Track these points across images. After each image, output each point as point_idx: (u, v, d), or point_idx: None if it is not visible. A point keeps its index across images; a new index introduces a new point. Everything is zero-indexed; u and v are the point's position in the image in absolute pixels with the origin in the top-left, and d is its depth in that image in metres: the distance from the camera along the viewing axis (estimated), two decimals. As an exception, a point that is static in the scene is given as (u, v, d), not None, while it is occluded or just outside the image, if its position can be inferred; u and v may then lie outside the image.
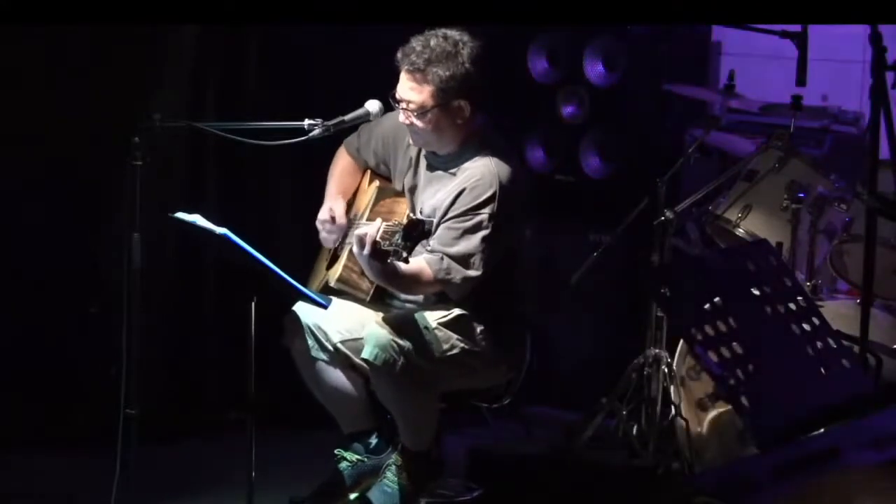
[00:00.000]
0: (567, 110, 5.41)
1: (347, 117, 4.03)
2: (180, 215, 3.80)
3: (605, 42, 5.28)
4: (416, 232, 3.61)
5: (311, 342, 4.16)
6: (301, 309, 4.17)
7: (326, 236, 4.24)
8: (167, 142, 4.72)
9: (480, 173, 4.00)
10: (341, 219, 4.20)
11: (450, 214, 3.98)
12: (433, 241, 3.96)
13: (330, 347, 4.15)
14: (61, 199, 4.76)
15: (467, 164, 4.05)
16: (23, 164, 4.70)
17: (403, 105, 4.01)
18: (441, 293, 4.07)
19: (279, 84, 5.06)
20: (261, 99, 5.05)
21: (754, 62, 5.51)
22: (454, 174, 4.06)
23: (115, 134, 3.86)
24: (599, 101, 5.32)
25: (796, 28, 4.60)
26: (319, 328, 4.15)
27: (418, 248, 3.87)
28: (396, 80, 4.06)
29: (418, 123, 4.01)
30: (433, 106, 3.98)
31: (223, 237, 3.70)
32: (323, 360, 4.17)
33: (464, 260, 3.94)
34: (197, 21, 4.75)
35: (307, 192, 4.59)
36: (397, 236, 3.62)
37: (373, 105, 4.08)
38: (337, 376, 4.19)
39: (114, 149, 3.89)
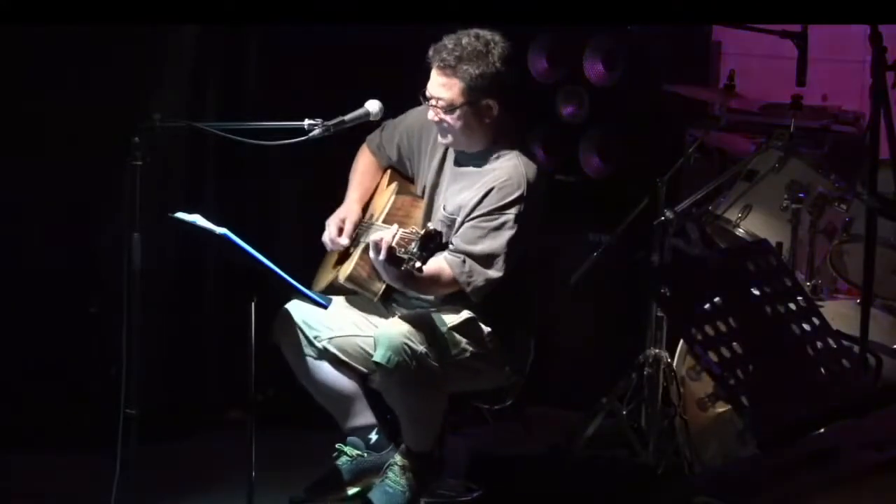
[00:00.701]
0: (567, 110, 5.41)
1: (347, 117, 4.03)
2: (180, 215, 3.80)
3: (605, 42, 5.28)
4: (433, 244, 3.63)
5: (301, 339, 4.17)
6: (292, 307, 4.18)
7: (328, 245, 4.25)
8: (167, 142, 4.72)
9: (508, 174, 4.01)
10: (346, 237, 4.21)
11: (476, 213, 4.00)
12: (456, 240, 3.98)
13: (318, 345, 4.17)
14: (61, 199, 4.76)
15: (495, 164, 4.07)
16: (23, 164, 4.70)
17: (433, 102, 4.04)
18: (449, 295, 4.08)
19: (279, 84, 5.05)
20: (261, 99, 5.05)
21: (754, 62, 5.51)
22: (481, 172, 4.08)
23: (115, 134, 3.86)
24: (599, 101, 5.31)
25: (796, 28, 4.60)
26: (308, 326, 4.16)
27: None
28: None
29: (447, 120, 4.03)
30: (462, 103, 4.01)
31: (223, 237, 3.71)
32: (311, 357, 4.18)
33: (486, 260, 3.95)
34: (197, 21, 4.75)
35: (307, 192, 4.60)
36: (413, 245, 3.63)
37: (373, 105, 4.09)
38: (329, 373, 4.20)
39: (114, 149, 3.89)
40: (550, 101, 5.41)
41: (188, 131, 4.63)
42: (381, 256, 3.78)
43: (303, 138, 3.92)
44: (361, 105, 4.08)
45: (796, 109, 4.70)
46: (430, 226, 3.72)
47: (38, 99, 4.67)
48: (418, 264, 3.64)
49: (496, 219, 3.98)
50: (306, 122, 3.92)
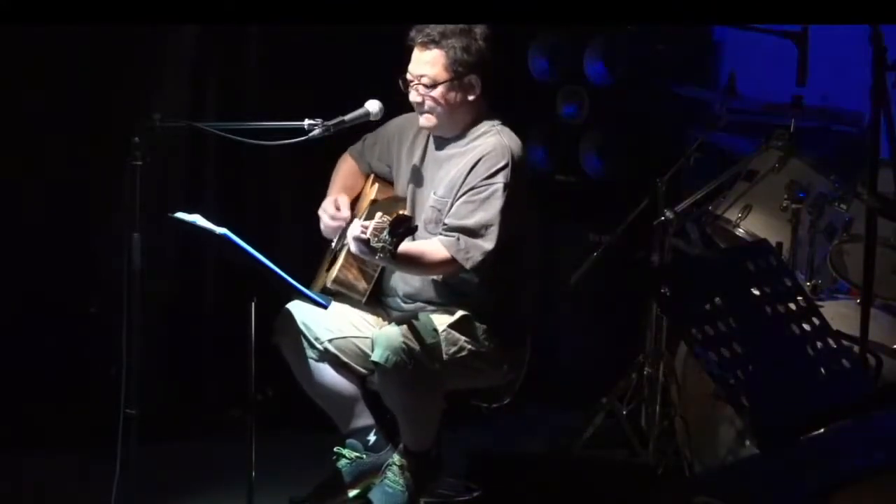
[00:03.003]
0: (567, 110, 5.41)
1: (347, 117, 4.04)
2: (180, 215, 3.80)
3: (605, 42, 5.28)
4: (402, 228, 3.66)
5: (302, 341, 4.17)
6: (293, 307, 4.19)
7: (329, 223, 4.24)
8: (167, 142, 4.72)
9: (492, 146, 4.05)
10: (345, 208, 4.22)
11: (464, 188, 4.02)
12: (449, 218, 4.00)
13: (319, 346, 4.17)
14: (61, 199, 4.76)
15: (478, 141, 4.10)
16: (23, 164, 4.70)
17: (415, 82, 4.05)
18: (443, 293, 4.09)
19: (279, 84, 5.06)
20: (261, 99, 5.06)
21: (754, 62, 5.50)
22: (465, 151, 4.10)
23: (115, 134, 3.86)
24: (599, 101, 5.32)
25: (796, 28, 4.60)
26: (308, 327, 4.17)
27: (434, 228, 4.01)
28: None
29: (432, 97, 4.03)
30: (447, 79, 4.02)
31: (223, 237, 3.70)
32: (313, 359, 4.18)
33: (481, 231, 3.97)
34: (197, 21, 4.75)
35: (307, 191, 4.59)
36: (384, 233, 3.66)
37: (373, 105, 4.10)
38: (329, 374, 4.20)
39: (114, 149, 3.89)
40: (550, 101, 5.41)
41: (188, 131, 4.64)
42: (355, 248, 3.81)
43: (303, 138, 3.92)
44: (361, 105, 4.09)
45: (796, 109, 4.70)
46: (402, 213, 3.75)
47: (39, 99, 4.67)
48: (392, 249, 3.67)
49: (485, 189, 4.00)
50: (306, 122, 3.93)
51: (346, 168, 4.40)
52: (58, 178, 4.73)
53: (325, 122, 3.95)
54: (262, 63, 5.10)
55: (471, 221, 3.98)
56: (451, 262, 3.98)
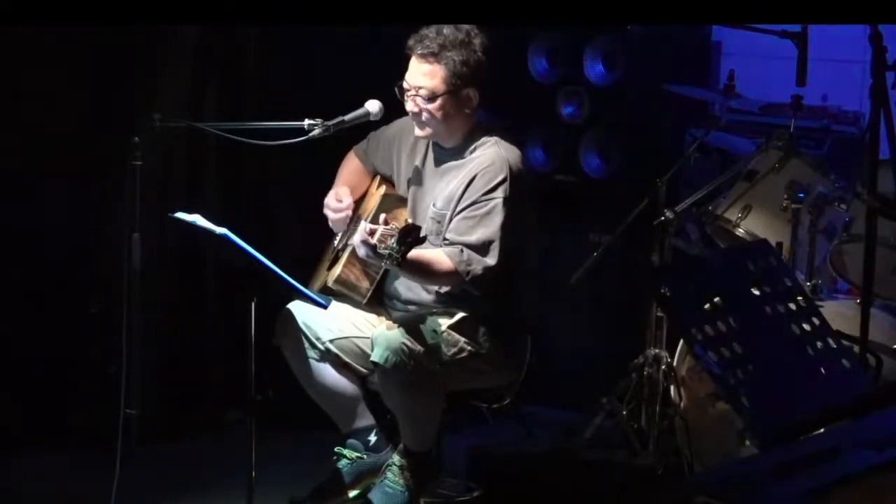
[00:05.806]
0: (567, 110, 5.40)
1: (347, 117, 4.04)
2: (180, 215, 3.80)
3: (605, 42, 5.28)
4: (411, 238, 3.66)
5: (303, 341, 4.17)
6: (293, 307, 4.18)
7: (333, 216, 4.24)
8: (167, 142, 4.72)
9: (490, 159, 4.03)
10: (346, 198, 4.22)
11: (463, 203, 4.01)
12: (450, 234, 3.99)
13: (320, 346, 4.17)
14: (61, 199, 4.76)
15: (476, 153, 4.08)
16: (23, 164, 4.69)
17: (412, 92, 4.03)
18: (444, 297, 4.09)
19: (279, 84, 5.05)
20: (261, 99, 5.05)
21: (754, 62, 5.51)
22: (463, 164, 4.09)
23: (115, 134, 3.86)
24: (599, 101, 5.31)
25: (796, 28, 4.60)
26: (309, 327, 4.17)
27: (434, 240, 3.99)
28: (399, 76, 4.07)
29: (428, 109, 4.02)
30: (444, 92, 4.01)
31: (223, 237, 3.71)
32: (314, 359, 4.18)
33: (483, 248, 3.97)
34: (197, 21, 4.74)
35: (307, 192, 4.60)
36: (392, 240, 3.66)
37: (373, 105, 4.10)
38: (330, 375, 4.20)
39: (114, 149, 3.88)
40: (550, 101, 5.41)
41: (188, 131, 4.64)
42: (362, 253, 3.81)
43: (303, 138, 3.92)
44: (361, 105, 4.09)
45: (796, 109, 4.70)
46: (409, 220, 3.74)
47: (39, 99, 4.67)
48: (399, 258, 3.67)
49: (485, 205, 3.99)
50: (306, 122, 3.93)
51: (350, 166, 4.40)
52: (58, 178, 4.73)
53: (325, 122, 3.95)
54: (262, 63, 5.09)
55: (472, 238, 3.97)
56: (455, 273, 3.98)
